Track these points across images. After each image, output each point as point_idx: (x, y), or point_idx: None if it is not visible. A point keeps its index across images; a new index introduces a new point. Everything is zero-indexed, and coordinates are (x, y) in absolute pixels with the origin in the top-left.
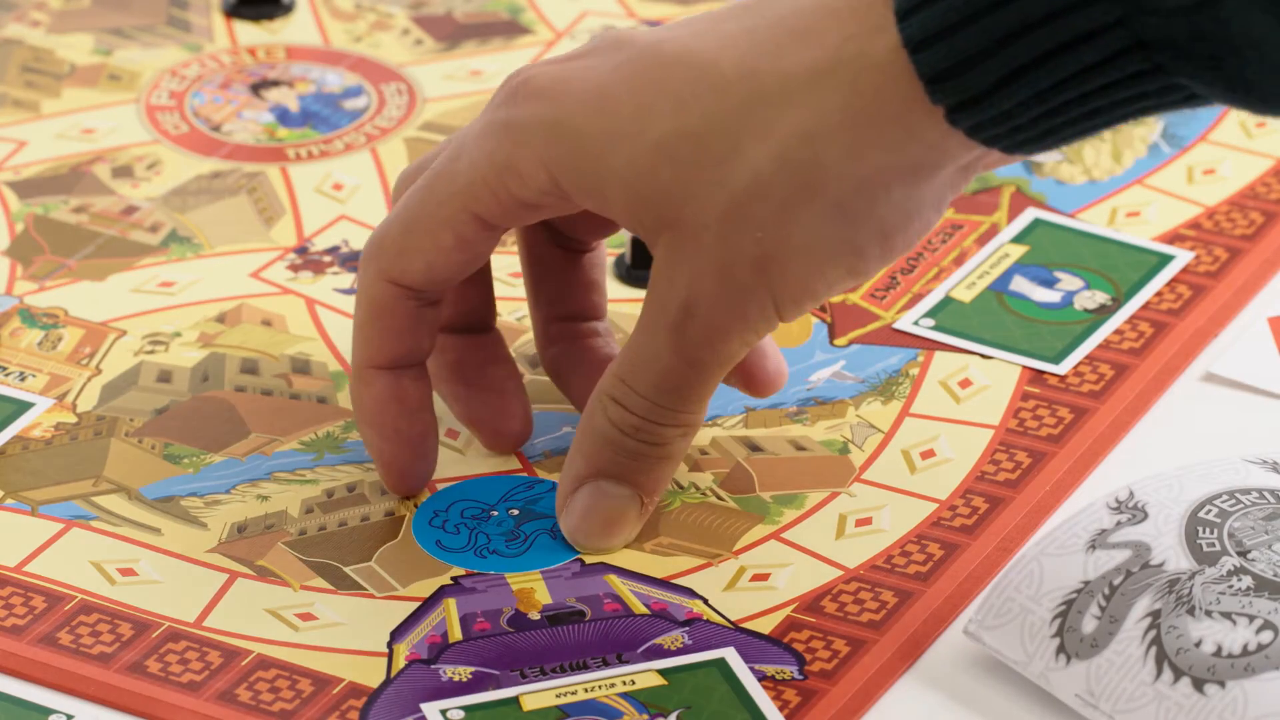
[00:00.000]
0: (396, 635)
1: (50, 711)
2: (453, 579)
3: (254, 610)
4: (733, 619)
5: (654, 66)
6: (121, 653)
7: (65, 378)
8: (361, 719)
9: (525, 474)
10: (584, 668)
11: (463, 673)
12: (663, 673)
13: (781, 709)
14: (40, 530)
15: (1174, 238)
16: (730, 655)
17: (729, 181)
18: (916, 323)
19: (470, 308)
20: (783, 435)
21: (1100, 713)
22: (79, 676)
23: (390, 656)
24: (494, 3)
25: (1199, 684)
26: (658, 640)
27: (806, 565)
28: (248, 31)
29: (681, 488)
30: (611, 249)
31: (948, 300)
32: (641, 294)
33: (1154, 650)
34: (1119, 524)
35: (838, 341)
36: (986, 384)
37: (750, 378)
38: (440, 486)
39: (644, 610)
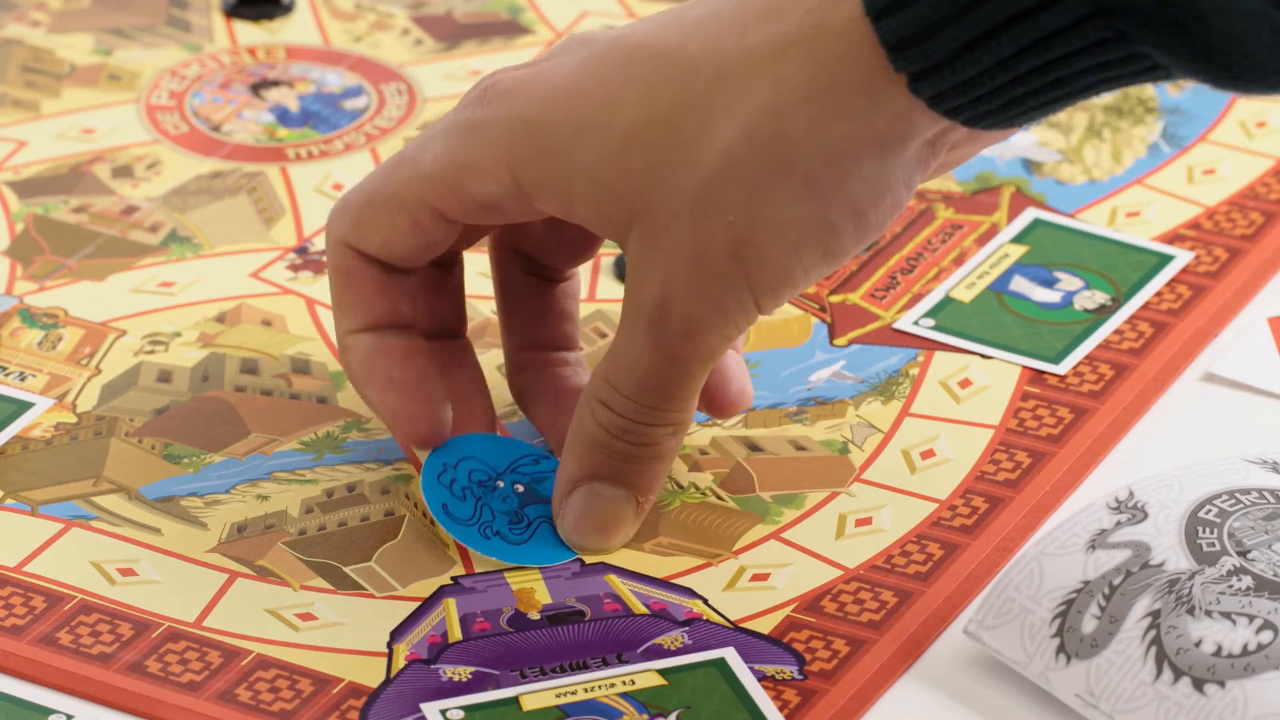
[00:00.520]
0: (396, 635)
1: (50, 711)
2: (452, 579)
3: (254, 610)
4: (733, 619)
5: (620, 58)
6: (121, 653)
7: (65, 378)
8: (361, 719)
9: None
10: (584, 668)
11: (463, 673)
12: (663, 673)
13: (781, 709)
14: (40, 530)
15: (1174, 238)
16: (730, 655)
17: (699, 163)
18: (916, 323)
19: (439, 317)
20: (783, 435)
21: (1100, 713)
22: (79, 676)
23: (390, 656)
24: (494, 3)
25: (1199, 684)
26: (657, 640)
27: (806, 565)
28: (248, 31)
29: (681, 487)
30: (611, 249)
31: (948, 300)
32: None
33: (1154, 650)
34: (1119, 524)
35: (838, 341)
36: (986, 384)
37: (712, 400)
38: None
39: (644, 610)
